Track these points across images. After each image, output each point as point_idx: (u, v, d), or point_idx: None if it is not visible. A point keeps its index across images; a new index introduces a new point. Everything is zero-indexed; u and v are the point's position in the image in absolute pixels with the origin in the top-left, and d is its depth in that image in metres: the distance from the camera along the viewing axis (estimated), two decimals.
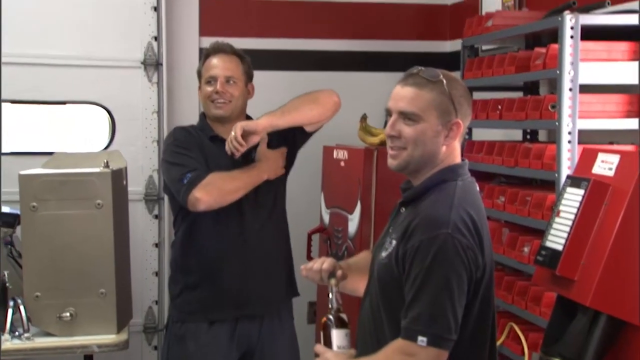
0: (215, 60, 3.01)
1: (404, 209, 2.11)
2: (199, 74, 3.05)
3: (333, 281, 2.20)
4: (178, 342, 3.03)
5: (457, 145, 2.09)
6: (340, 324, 2.12)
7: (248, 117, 3.10)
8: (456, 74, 2.14)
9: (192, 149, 2.96)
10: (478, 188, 2.16)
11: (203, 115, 3.11)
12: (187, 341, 3.01)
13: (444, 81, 2.04)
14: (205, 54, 3.06)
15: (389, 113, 2.08)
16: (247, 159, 2.97)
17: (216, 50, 3.03)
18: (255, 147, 2.97)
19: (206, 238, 3.00)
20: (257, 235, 3.00)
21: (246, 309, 3.00)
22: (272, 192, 3.05)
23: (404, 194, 2.13)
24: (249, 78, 3.08)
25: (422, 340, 1.90)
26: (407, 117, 2.03)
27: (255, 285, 3.00)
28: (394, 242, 2.05)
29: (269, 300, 3.05)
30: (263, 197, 3.01)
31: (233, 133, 2.85)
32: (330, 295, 2.18)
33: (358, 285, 2.24)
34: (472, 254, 1.95)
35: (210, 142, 3.01)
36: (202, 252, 3.01)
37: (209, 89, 2.98)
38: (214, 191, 2.86)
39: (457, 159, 2.11)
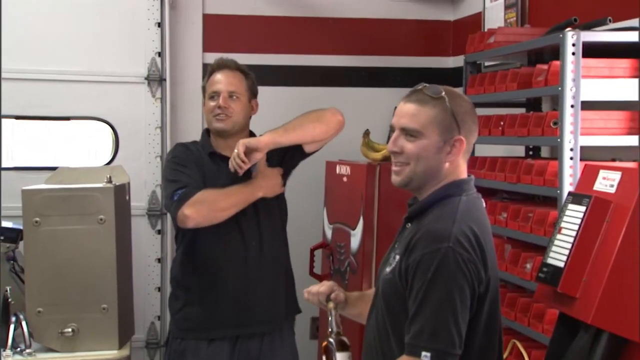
0: (219, 76, 3.03)
1: (409, 224, 2.11)
2: (204, 90, 3.07)
3: (331, 304, 2.21)
4: (178, 358, 3.02)
5: (461, 162, 2.10)
6: (342, 347, 2.11)
7: (251, 134, 3.11)
8: (458, 90, 2.14)
9: (188, 166, 2.96)
10: (484, 204, 2.16)
11: (206, 131, 3.12)
12: (187, 357, 3.00)
13: (446, 98, 2.04)
14: (209, 70, 3.08)
15: (392, 129, 2.10)
16: (247, 176, 2.98)
17: (220, 66, 3.05)
18: (247, 172, 2.96)
19: (206, 256, 2.99)
20: (257, 253, 2.99)
21: (246, 327, 2.99)
22: (272, 210, 3.05)
23: (409, 209, 2.13)
24: (253, 94, 3.09)
25: (425, 355, 1.89)
26: (408, 133, 2.05)
27: (255, 304, 2.99)
28: (397, 257, 2.05)
29: (269, 318, 3.04)
30: (263, 215, 3.01)
31: (236, 150, 2.86)
32: (330, 318, 2.18)
33: (364, 311, 2.25)
34: (474, 268, 1.95)
35: (209, 159, 3.02)
36: (201, 269, 3.01)
37: (212, 103, 3.00)
38: (203, 209, 2.85)
39: (463, 174, 2.11)
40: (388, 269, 2.07)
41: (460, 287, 1.92)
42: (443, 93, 2.05)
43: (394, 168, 2.10)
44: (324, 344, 2.16)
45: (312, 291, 2.28)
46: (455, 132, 2.05)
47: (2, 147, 3.08)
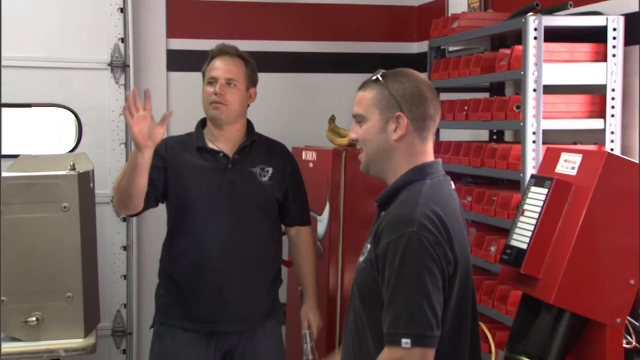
0: (218, 62, 3.00)
1: (383, 213, 2.12)
2: (203, 75, 3.04)
3: (307, 332, 2.22)
4: (159, 339, 3.05)
5: (420, 144, 2.09)
6: None
7: (249, 123, 3.09)
8: (423, 75, 2.15)
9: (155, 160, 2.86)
10: (453, 186, 2.17)
11: (200, 123, 3.09)
12: (166, 339, 3.02)
13: (382, 79, 2.09)
14: (210, 55, 3.05)
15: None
16: (235, 172, 2.97)
17: (220, 52, 3.03)
18: (237, 164, 2.97)
19: (184, 249, 2.99)
20: (237, 250, 2.95)
21: (221, 324, 2.97)
22: (264, 210, 3.03)
23: (377, 198, 2.15)
24: (252, 82, 3.06)
25: (406, 342, 1.90)
26: (357, 119, 2.12)
27: (231, 301, 2.95)
28: (369, 246, 2.06)
29: (246, 317, 2.99)
30: (251, 214, 2.99)
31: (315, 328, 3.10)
32: (305, 346, 2.19)
33: None
34: (440, 250, 1.95)
35: (197, 153, 3.00)
36: (180, 261, 3.00)
37: (210, 89, 2.97)
38: (115, 193, 2.89)
39: (427, 158, 2.12)
40: (361, 259, 2.09)
41: (429, 269, 1.93)
42: (379, 75, 2.09)
43: (358, 156, 2.15)
44: None
45: None
46: (395, 109, 2.06)
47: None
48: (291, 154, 3.21)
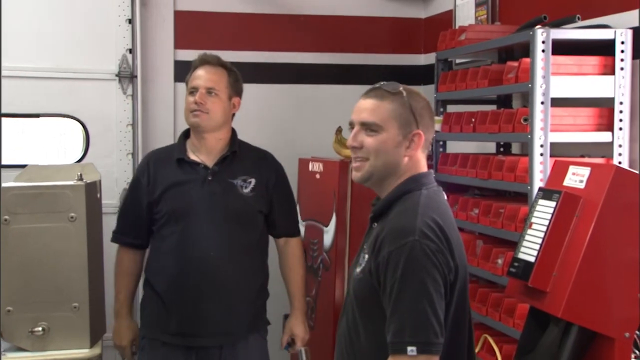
0: (200, 72, 3.01)
1: (375, 224, 2.12)
2: (187, 84, 3.05)
3: (303, 350, 2.21)
4: (141, 351, 3.07)
5: (420, 156, 2.12)
6: None
7: (233, 132, 3.08)
8: (430, 87, 2.17)
9: (133, 196, 3.07)
10: (446, 197, 2.17)
11: (183, 135, 3.10)
12: (146, 352, 3.03)
13: (404, 93, 2.08)
14: (192, 66, 3.06)
15: (351, 125, 2.12)
16: (217, 184, 2.96)
17: (202, 61, 3.04)
18: (216, 176, 2.97)
19: (163, 261, 2.98)
20: (216, 265, 2.92)
21: (198, 339, 2.94)
22: (245, 224, 3.00)
23: (372, 209, 2.15)
24: (235, 92, 3.05)
25: (411, 350, 1.89)
26: (368, 127, 2.07)
27: (209, 316, 2.92)
28: (366, 256, 2.06)
29: (225, 331, 2.96)
30: (231, 227, 2.96)
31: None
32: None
33: None
34: (442, 257, 1.96)
35: (177, 164, 2.99)
36: (159, 273, 3.00)
37: (190, 98, 2.98)
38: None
39: (422, 169, 2.13)
40: (358, 269, 2.08)
41: (432, 277, 1.93)
42: (401, 88, 2.09)
43: (354, 164, 2.11)
44: None
45: None
46: (414, 127, 2.07)
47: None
48: (279, 163, 3.16)
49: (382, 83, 2.12)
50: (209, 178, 2.97)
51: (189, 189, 2.96)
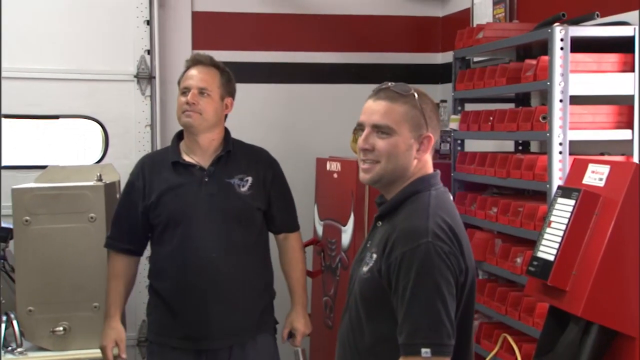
0: (192, 72, 2.99)
1: (380, 222, 2.12)
2: (179, 85, 3.03)
3: (299, 350, 2.21)
4: (150, 356, 3.06)
5: (428, 158, 2.11)
6: None
7: (226, 132, 3.06)
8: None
9: (126, 203, 3.01)
10: (452, 197, 2.17)
11: (176, 137, 3.07)
12: (156, 357, 3.01)
13: (416, 95, 2.06)
14: (185, 66, 3.04)
15: (361, 127, 2.09)
16: (211, 185, 2.94)
17: (195, 61, 3.01)
18: (213, 177, 2.96)
19: (166, 264, 2.95)
20: (219, 266, 2.90)
21: (206, 342, 2.92)
22: (245, 223, 2.98)
23: (380, 208, 2.14)
24: (228, 92, 3.02)
25: (426, 352, 1.89)
26: (380, 130, 2.05)
27: (215, 318, 2.90)
28: (374, 255, 2.05)
29: (233, 332, 2.94)
30: (232, 228, 2.94)
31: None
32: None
33: None
34: (454, 259, 1.96)
35: (172, 167, 2.97)
36: (163, 277, 2.98)
37: (182, 99, 2.95)
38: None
39: (430, 170, 2.12)
40: (365, 269, 2.06)
41: (445, 278, 1.93)
42: (412, 90, 2.07)
43: (363, 166, 2.09)
44: None
45: None
46: (424, 129, 2.06)
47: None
48: (274, 159, 3.13)
49: (390, 84, 2.10)
50: (206, 179, 2.94)
51: (186, 192, 2.93)
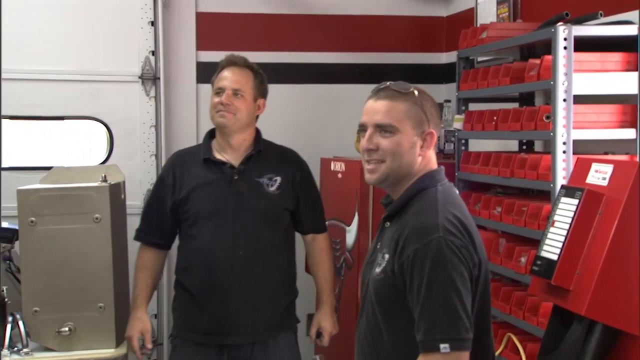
0: (226, 73, 3.03)
1: (388, 223, 2.12)
2: (212, 85, 3.08)
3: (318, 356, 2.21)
4: (173, 351, 3.10)
5: (432, 154, 2.12)
6: None
7: (257, 132, 3.10)
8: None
9: (158, 196, 3.10)
10: (457, 192, 2.17)
11: (208, 134, 3.12)
12: (177, 352, 3.06)
13: (415, 92, 2.07)
14: (219, 66, 3.08)
15: (363, 128, 2.10)
16: (239, 185, 2.97)
17: (229, 62, 3.06)
18: (243, 175, 2.99)
19: (192, 260, 3.00)
20: (244, 263, 2.95)
21: (229, 337, 2.96)
22: (273, 223, 3.02)
23: (387, 209, 2.14)
24: (260, 93, 3.08)
25: (444, 347, 1.89)
26: (383, 129, 2.06)
27: (239, 314, 2.95)
28: (386, 256, 2.05)
29: (255, 329, 2.98)
30: (259, 227, 2.98)
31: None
32: None
33: None
34: (467, 253, 1.96)
35: (203, 164, 3.02)
36: (189, 272, 3.02)
37: (216, 99, 3.01)
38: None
39: (434, 166, 2.13)
40: (378, 270, 2.06)
41: (460, 272, 1.93)
42: (412, 88, 2.08)
43: (368, 167, 2.09)
44: None
45: None
46: (426, 126, 2.07)
47: (1, 148, 3.09)
48: (303, 160, 3.17)
49: (389, 83, 2.10)
50: (235, 177, 2.99)
51: (215, 189, 2.98)
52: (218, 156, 3.03)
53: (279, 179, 3.03)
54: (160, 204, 3.07)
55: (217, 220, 2.96)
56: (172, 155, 3.21)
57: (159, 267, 3.17)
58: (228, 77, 3.01)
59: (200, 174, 3.01)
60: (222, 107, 2.97)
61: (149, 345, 3.08)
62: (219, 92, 3.00)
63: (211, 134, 3.11)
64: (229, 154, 3.03)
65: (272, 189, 3.01)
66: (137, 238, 3.17)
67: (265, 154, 3.05)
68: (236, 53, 3.17)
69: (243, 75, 3.03)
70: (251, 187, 2.99)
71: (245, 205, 2.97)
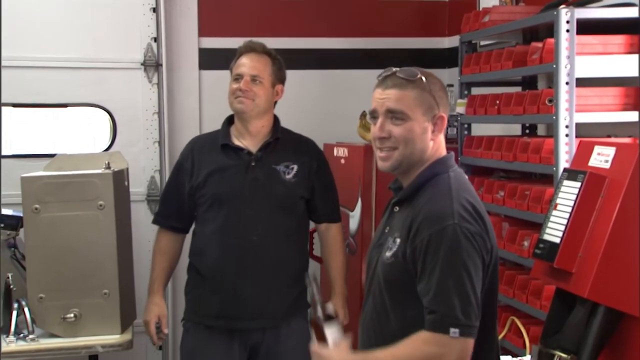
0: (244, 59, 3.05)
1: (397, 208, 2.13)
2: (231, 71, 3.09)
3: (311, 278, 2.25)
4: (185, 334, 3.13)
5: (442, 139, 2.13)
6: (328, 317, 2.13)
7: (275, 118, 3.11)
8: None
9: (177, 180, 3.10)
10: (467, 177, 2.18)
11: (227, 120, 3.13)
12: (190, 335, 3.09)
13: (423, 78, 2.07)
14: (238, 52, 3.09)
15: (373, 115, 2.10)
16: (255, 171, 2.99)
17: (247, 49, 3.07)
18: (260, 162, 3.00)
19: (206, 244, 3.03)
20: (258, 249, 2.97)
21: (240, 322, 2.99)
22: (288, 209, 3.04)
23: (398, 193, 2.14)
24: (278, 79, 3.09)
25: (454, 332, 1.91)
26: (394, 116, 2.06)
27: (251, 300, 2.97)
28: (397, 240, 2.05)
29: (267, 315, 3.01)
30: (274, 213, 3.00)
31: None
32: (314, 292, 2.19)
33: None
34: (481, 240, 1.98)
35: (221, 150, 3.04)
36: (203, 255, 3.05)
37: (234, 85, 3.02)
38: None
39: (444, 151, 2.14)
40: (388, 254, 2.07)
41: (473, 260, 1.95)
42: (419, 74, 2.08)
43: (380, 154, 2.10)
44: (312, 319, 2.17)
45: None
46: (436, 110, 2.08)
47: (1, 135, 3.09)
48: (320, 150, 3.21)
49: (395, 69, 2.10)
50: (253, 164, 3.01)
51: (232, 174, 3.00)
52: (236, 142, 3.05)
53: (295, 167, 3.04)
54: (178, 189, 3.09)
55: (233, 206, 2.98)
56: (190, 141, 3.22)
57: (177, 251, 3.19)
58: (246, 64, 3.02)
59: (218, 160, 3.03)
60: (241, 93, 2.99)
61: (165, 330, 3.12)
62: (237, 78, 3.02)
63: (230, 120, 3.12)
64: (247, 140, 3.04)
65: (289, 176, 3.03)
66: (155, 222, 3.21)
67: (283, 142, 3.07)
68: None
69: (261, 62, 3.04)
70: (268, 174, 3.01)
71: (261, 191, 2.99)
